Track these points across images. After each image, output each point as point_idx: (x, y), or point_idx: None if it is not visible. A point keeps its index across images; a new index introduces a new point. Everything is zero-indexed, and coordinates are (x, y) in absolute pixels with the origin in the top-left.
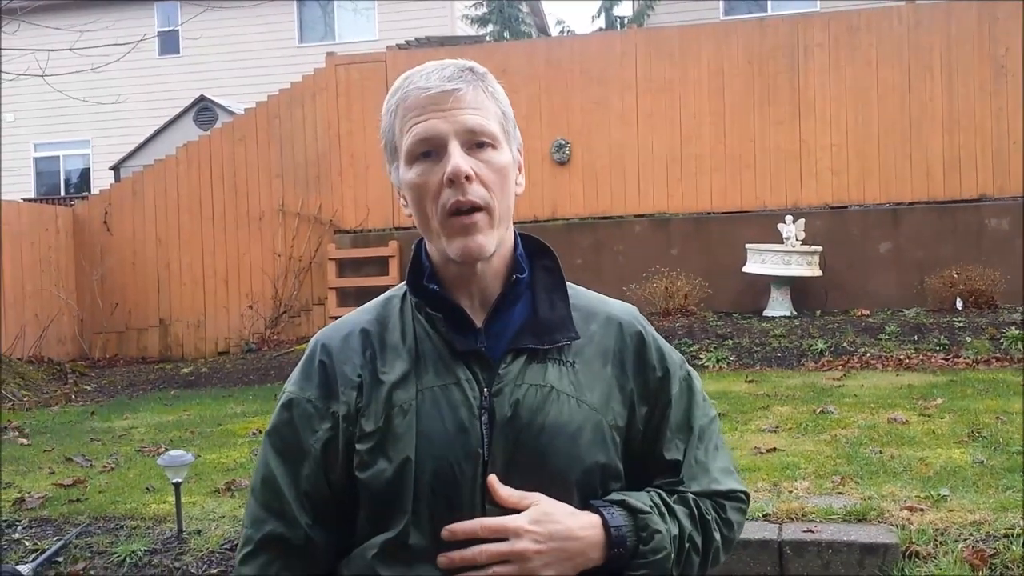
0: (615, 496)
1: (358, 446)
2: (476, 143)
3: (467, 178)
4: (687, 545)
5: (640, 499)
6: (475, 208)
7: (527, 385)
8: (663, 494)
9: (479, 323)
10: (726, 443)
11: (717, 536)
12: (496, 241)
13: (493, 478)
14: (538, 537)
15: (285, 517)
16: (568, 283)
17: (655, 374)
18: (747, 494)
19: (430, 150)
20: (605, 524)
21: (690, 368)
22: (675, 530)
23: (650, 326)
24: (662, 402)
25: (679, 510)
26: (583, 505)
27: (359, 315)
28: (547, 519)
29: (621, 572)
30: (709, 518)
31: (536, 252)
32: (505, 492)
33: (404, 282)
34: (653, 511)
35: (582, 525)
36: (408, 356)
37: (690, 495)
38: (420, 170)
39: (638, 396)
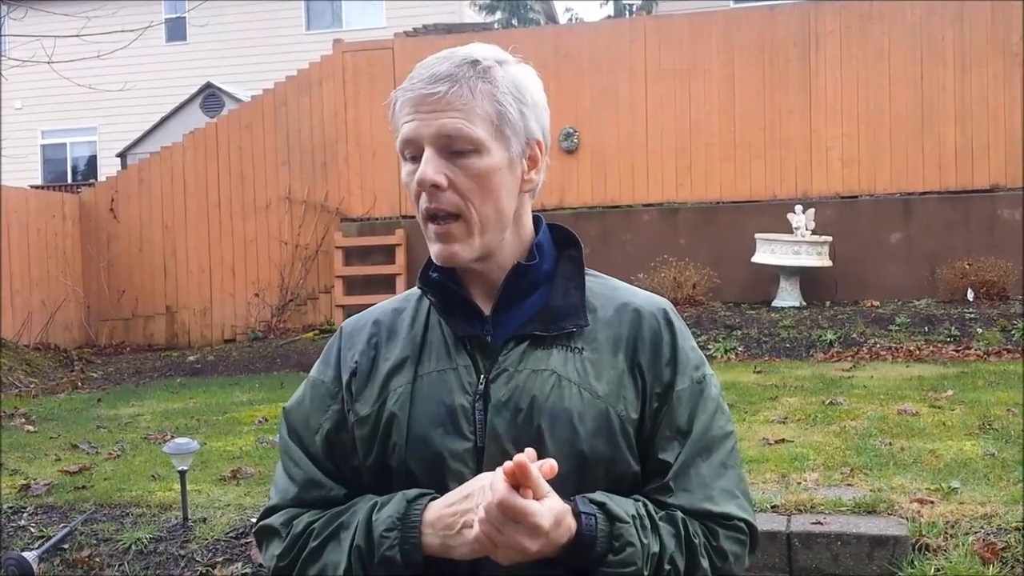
0: (597, 497)
1: (356, 432)
2: (455, 149)
3: (436, 186)
4: (667, 567)
5: (623, 506)
6: (449, 216)
7: (527, 371)
8: (649, 507)
9: (488, 312)
10: (740, 464)
11: (705, 563)
12: (475, 250)
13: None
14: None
15: (304, 483)
16: (597, 273)
17: (668, 368)
18: (750, 524)
19: (414, 153)
20: (578, 531)
21: (710, 373)
22: (655, 547)
23: (679, 321)
24: (669, 398)
25: (664, 528)
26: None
27: (382, 305)
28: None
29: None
30: (696, 541)
31: (565, 242)
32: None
33: None
34: (633, 522)
35: (562, 531)
36: (412, 343)
37: (679, 515)
38: (408, 170)
39: (651, 390)
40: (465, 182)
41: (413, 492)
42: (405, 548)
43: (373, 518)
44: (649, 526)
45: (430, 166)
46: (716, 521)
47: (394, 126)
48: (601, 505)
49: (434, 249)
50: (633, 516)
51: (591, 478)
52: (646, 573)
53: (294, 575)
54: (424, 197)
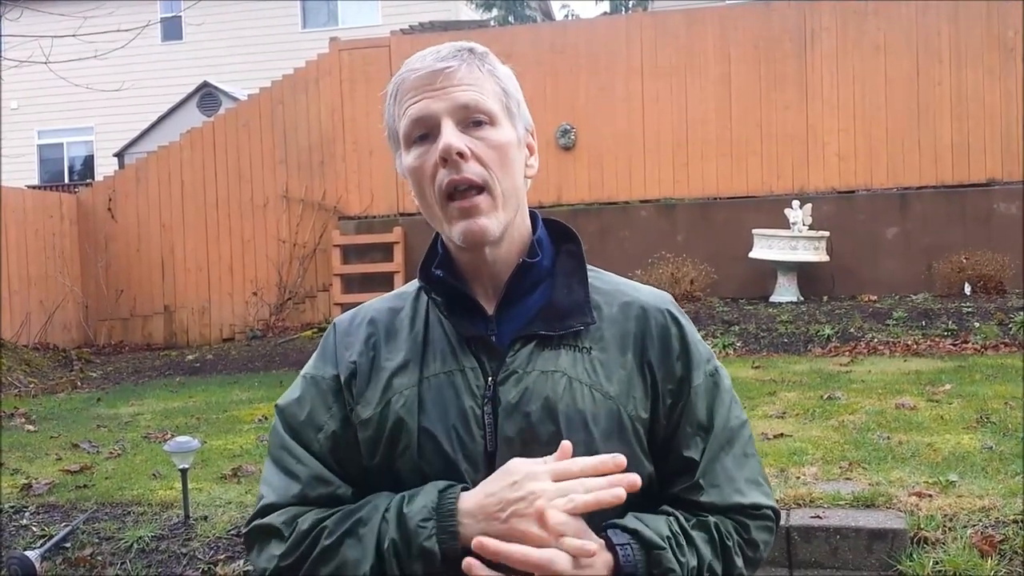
0: (629, 524)
1: (360, 434)
2: (472, 120)
3: (460, 155)
4: (706, 575)
5: (656, 529)
6: (473, 187)
7: (536, 372)
8: (681, 519)
9: (491, 311)
10: (757, 451)
11: (739, 562)
12: (502, 223)
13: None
14: None
15: (309, 479)
16: (598, 269)
17: (680, 363)
18: (776, 511)
19: (425, 132)
20: (616, 565)
21: (719, 365)
22: (693, 562)
23: (684, 316)
24: (684, 394)
25: (698, 537)
26: (593, 512)
27: (375, 303)
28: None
29: None
30: (730, 543)
31: (561, 237)
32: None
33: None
34: (668, 544)
35: (601, 564)
36: (413, 343)
37: (711, 519)
38: (417, 153)
39: (662, 387)
40: (486, 152)
41: (443, 483)
42: (443, 537)
43: (405, 510)
44: (685, 543)
45: (453, 135)
46: (746, 513)
47: (390, 117)
48: (635, 533)
49: (459, 228)
50: (668, 537)
51: None
52: None
53: (301, 575)
54: (443, 173)
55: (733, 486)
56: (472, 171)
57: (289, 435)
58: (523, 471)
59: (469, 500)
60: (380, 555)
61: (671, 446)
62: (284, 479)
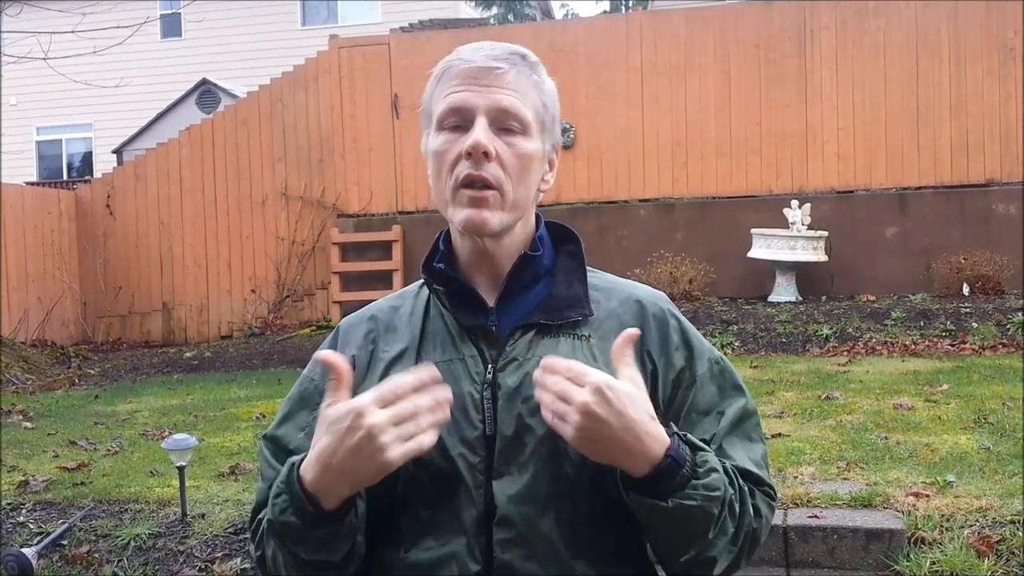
0: (674, 428)
1: None
2: (505, 125)
3: (485, 154)
4: (728, 508)
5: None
6: (487, 185)
7: (536, 358)
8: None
9: (492, 303)
10: (764, 439)
11: (751, 513)
12: (503, 222)
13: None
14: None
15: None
16: (596, 269)
17: (680, 353)
18: (775, 491)
19: (459, 122)
20: (669, 446)
21: (723, 356)
22: (730, 488)
23: (678, 311)
24: (686, 382)
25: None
26: (593, 493)
27: (377, 303)
28: (628, 399)
29: (662, 497)
30: (745, 488)
31: (562, 238)
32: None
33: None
34: (710, 453)
35: (653, 433)
36: (412, 335)
37: (727, 463)
38: (445, 139)
39: (662, 377)
40: (510, 159)
41: (297, 456)
42: (297, 508)
43: (272, 490)
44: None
45: (484, 133)
46: (751, 479)
47: (428, 96)
48: (681, 435)
49: (463, 214)
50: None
51: (609, 467)
52: (715, 511)
53: (265, 558)
54: (464, 164)
55: (736, 459)
56: (491, 172)
57: (266, 439)
58: (352, 410)
59: (309, 469)
60: None
61: None
62: (260, 481)
